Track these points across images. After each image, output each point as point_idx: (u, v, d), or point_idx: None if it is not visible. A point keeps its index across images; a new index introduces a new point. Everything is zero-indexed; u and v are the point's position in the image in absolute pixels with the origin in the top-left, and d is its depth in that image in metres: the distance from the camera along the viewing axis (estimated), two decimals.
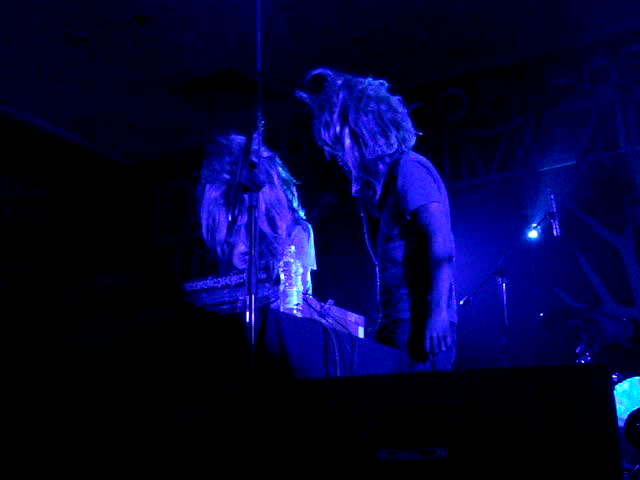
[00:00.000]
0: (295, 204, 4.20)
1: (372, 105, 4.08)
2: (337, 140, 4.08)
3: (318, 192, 8.28)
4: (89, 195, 9.49)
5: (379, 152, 4.05)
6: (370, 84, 4.15)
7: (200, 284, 3.27)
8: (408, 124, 4.18)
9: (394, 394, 1.97)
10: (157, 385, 2.95)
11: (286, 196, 4.13)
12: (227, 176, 3.96)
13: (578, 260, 7.23)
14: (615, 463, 1.75)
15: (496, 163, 7.76)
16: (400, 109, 4.17)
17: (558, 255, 6.84)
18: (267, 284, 3.19)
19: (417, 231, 3.94)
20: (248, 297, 2.72)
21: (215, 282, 3.25)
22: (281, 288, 3.15)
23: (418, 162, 4.08)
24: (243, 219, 3.88)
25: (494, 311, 5.93)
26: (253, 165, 2.76)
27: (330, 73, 4.18)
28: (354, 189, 4.14)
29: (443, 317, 3.74)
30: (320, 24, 7.12)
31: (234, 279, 3.18)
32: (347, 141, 4.06)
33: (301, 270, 3.23)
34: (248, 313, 2.70)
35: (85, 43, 7.35)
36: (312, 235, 4.13)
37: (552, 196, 6.08)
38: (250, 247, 2.80)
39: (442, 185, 4.10)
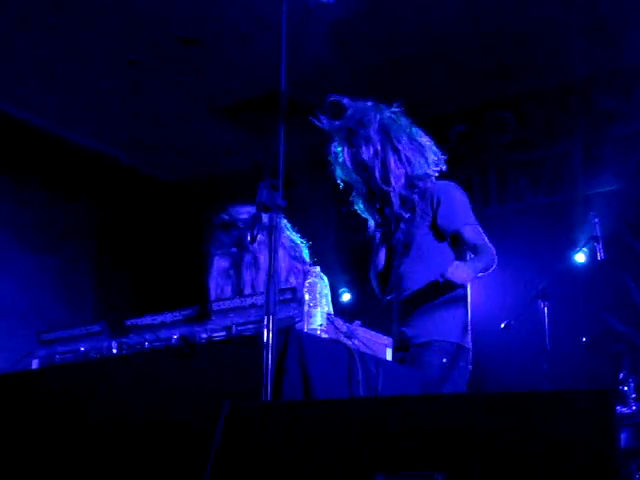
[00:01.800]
0: (306, 257, 4.15)
1: (405, 126, 4.13)
2: (376, 157, 4.08)
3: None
4: (140, 214, 9.63)
5: (422, 171, 4.10)
6: (396, 108, 4.19)
7: (227, 303, 3.29)
8: (436, 149, 4.24)
9: (395, 416, 1.96)
10: (174, 405, 2.98)
11: (292, 262, 4.07)
12: (234, 249, 3.99)
13: (626, 284, 7.11)
14: None
15: (543, 186, 7.69)
16: (425, 136, 4.24)
17: (604, 279, 6.74)
18: (292, 304, 3.19)
19: (461, 250, 4.08)
20: (266, 317, 2.75)
21: (242, 301, 3.27)
22: (305, 308, 3.16)
23: (458, 186, 4.16)
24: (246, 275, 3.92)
25: (536, 335, 5.86)
26: (274, 187, 2.78)
27: (346, 99, 4.21)
28: (396, 207, 4.12)
29: (466, 277, 3.82)
30: (363, 46, 7.15)
31: (261, 299, 3.19)
32: (391, 158, 4.08)
33: (326, 291, 3.25)
34: (266, 333, 2.73)
35: (135, 66, 7.47)
36: (326, 282, 4.08)
37: (596, 219, 6.03)
38: (269, 267, 2.83)
39: None
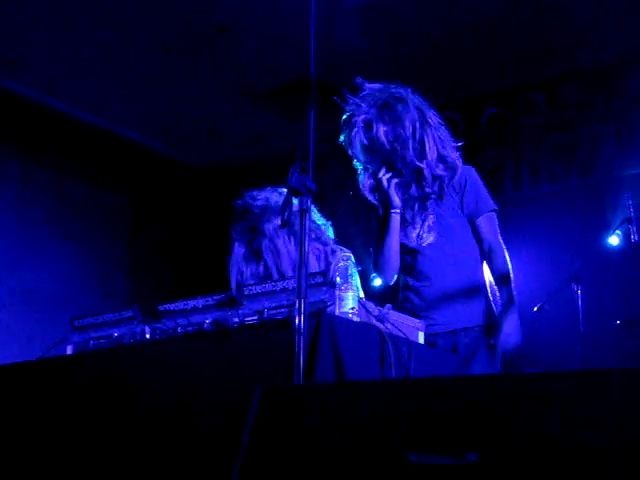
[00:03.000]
0: (330, 237, 4.10)
1: (431, 111, 4.11)
2: (415, 133, 4.00)
3: None
4: (173, 201, 9.69)
5: (451, 149, 4.08)
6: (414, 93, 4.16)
7: (258, 288, 3.29)
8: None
9: (427, 397, 1.96)
10: (207, 389, 3.00)
11: (312, 244, 3.99)
12: (251, 234, 4.00)
13: None
14: None
15: (576, 168, 7.63)
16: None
17: (638, 261, 6.69)
18: (323, 288, 3.19)
19: (482, 236, 4.01)
20: (298, 301, 2.75)
21: (273, 286, 3.27)
22: (336, 292, 3.15)
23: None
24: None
25: (569, 318, 5.85)
26: (304, 169, 2.78)
27: (366, 82, 4.17)
28: (428, 185, 4.07)
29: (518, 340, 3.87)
30: (396, 31, 7.12)
31: (292, 283, 3.19)
32: (428, 134, 4.02)
33: (357, 275, 3.24)
34: (298, 316, 2.73)
35: (169, 54, 7.50)
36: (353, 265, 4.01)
37: (630, 202, 5.99)
38: (300, 250, 2.84)
39: None
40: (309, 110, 2.97)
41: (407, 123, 3.99)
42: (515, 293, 3.92)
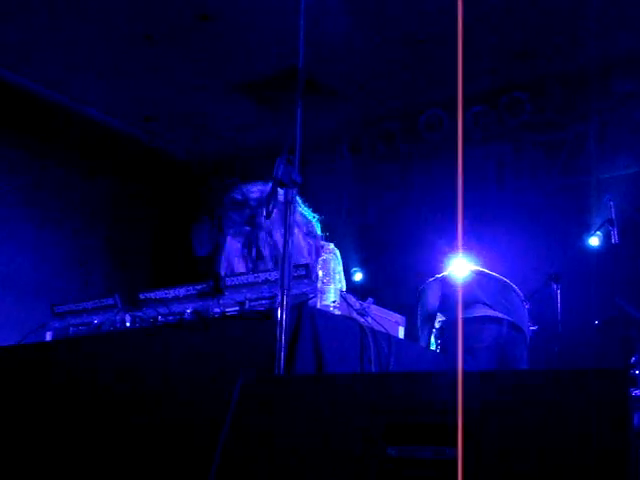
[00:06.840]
0: (318, 232, 4.11)
1: None
2: None
3: (378, 191, 8.31)
4: (154, 188, 9.66)
5: None
6: None
7: (241, 279, 3.29)
8: None
9: (406, 391, 1.97)
10: (187, 378, 3.00)
11: (305, 238, 3.99)
12: (247, 228, 3.95)
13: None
14: (623, 472, 1.73)
15: (558, 168, 7.67)
16: None
17: (618, 263, 6.71)
18: (306, 280, 3.19)
19: None
20: (280, 293, 2.75)
21: (255, 277, 3.27)
22: (318, 285, 3.16)
23: None
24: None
25: (548, 317, 5.86)
26: (290, 161, 2.78)
27: None
28: None
29: None
30: (382, 27, 7.11)
31: (274, 275, 3.19)
32: None
33: (339, 267, 3.25)
34: (280, 308, 2.73)
35: (151, 41, 7.46)
36: (339, 258, 4.02)
37: (611, 203, 6.00)
38: (284, 242, 2.84)
39: None
40: (295, 103, 2.97)
41: None
42: None
